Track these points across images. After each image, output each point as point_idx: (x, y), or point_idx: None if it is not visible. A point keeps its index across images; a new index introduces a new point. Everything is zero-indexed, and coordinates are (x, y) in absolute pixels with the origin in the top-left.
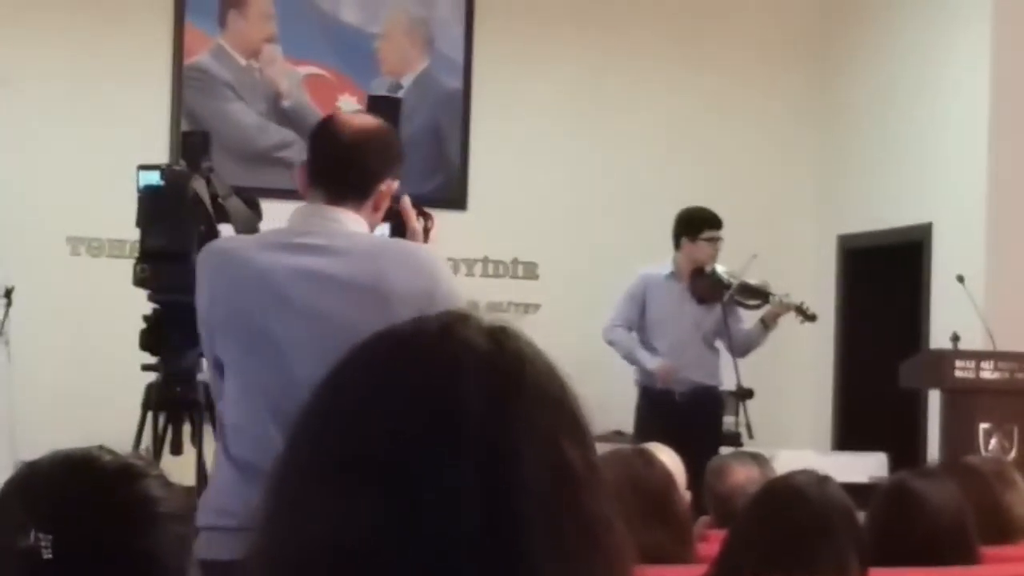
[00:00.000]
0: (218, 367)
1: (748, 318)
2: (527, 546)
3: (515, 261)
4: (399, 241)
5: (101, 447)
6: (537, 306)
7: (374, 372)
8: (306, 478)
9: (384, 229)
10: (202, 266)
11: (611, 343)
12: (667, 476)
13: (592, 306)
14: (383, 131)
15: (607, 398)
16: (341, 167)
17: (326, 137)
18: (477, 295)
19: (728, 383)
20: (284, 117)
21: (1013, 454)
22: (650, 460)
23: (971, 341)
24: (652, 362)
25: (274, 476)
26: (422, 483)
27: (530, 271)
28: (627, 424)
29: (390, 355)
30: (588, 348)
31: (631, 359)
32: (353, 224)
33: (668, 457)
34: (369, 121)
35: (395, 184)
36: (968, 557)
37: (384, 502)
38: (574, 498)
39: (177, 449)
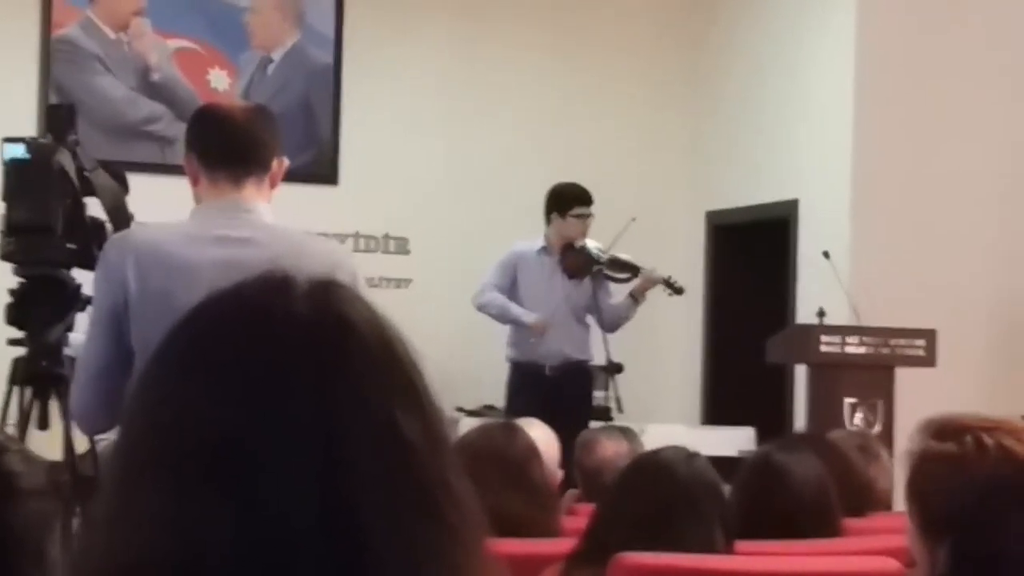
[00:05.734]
0: (121, 353)
1: (618, 294)
2: (363, 524)
3: (386, 236)
4: (316, 235)
5: None
6: (408, 281)
7: (192, 357)
8: (135, 474)
9: None
10: (120, 256)
11: (482, 306)
12: (528, 446)
13: (463, 281)
14: (265, 109)
15: (478, 373)
16: (242, 145)
17: (217, 122)
18: None
19: (598, 358)
20: (153, 91)
21: (877, 428)
22: (512, 431)
23: (836, 316)
24: (528, 316)
25: (107, 469)
26: (251, 472)
27: (401, 246)
28: (499, 399)
29: (209, 338)
30: (459, 323)
31: (505, 318)
32: (267, 216)
33: (542, 432)
34: (247, 103)
35: (286, 161)
36: (830, 529)
37: (214, 497)
38: (410, 470)
39: (44, 424)
